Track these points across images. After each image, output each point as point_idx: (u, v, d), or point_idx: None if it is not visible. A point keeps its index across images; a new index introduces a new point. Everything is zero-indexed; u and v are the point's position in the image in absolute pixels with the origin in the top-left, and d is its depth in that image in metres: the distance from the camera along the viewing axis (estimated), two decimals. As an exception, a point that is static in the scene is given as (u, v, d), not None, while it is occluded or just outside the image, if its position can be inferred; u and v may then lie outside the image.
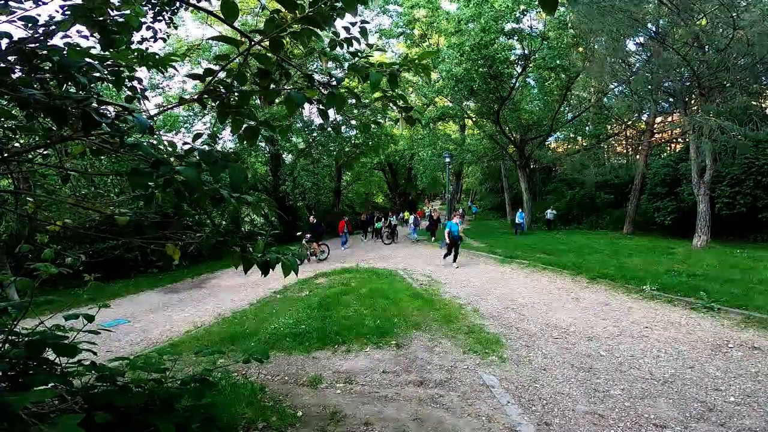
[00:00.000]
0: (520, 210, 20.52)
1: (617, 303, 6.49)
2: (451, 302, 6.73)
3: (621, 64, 17.37)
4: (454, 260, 10.84)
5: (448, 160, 18.55)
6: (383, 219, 20.79)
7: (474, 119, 23.22)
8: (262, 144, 22.13)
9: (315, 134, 22.90)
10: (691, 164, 12.67)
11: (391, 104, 2.29)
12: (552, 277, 8.74)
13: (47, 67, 1.52)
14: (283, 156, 23.34)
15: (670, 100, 16.26)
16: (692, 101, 14.69)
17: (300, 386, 4.06)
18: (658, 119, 20.30)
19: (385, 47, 25.69)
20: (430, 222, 20.56)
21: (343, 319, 5.90)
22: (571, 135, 24.96)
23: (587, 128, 23.43)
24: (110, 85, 2.24)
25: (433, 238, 18.91)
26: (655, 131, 19.94)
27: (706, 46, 11.86)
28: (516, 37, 18.04)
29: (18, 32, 1.73)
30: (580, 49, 18.76)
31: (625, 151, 29.06)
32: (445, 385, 3.77)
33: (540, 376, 3.94)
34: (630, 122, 22.29)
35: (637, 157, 24.88)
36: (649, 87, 15.14)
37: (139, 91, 2.55)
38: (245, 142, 2.02)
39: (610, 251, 11.36)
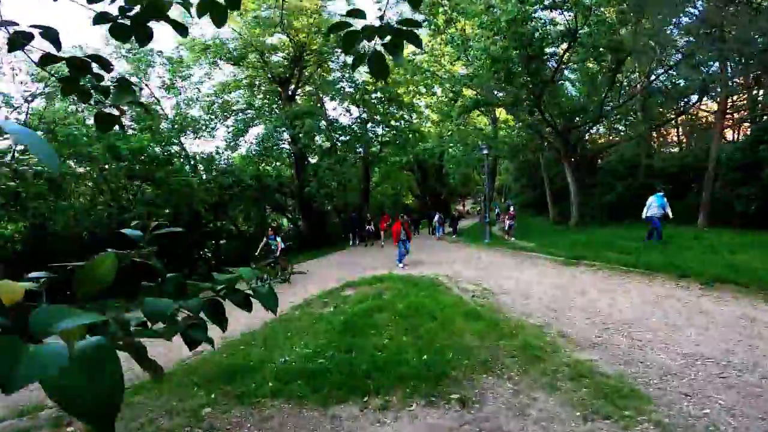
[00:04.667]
0: (659, 193, 11.15)
1: (768, 317, 4.52)
2: (522, 323, 4.90)
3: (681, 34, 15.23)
4: None
5: (486, 151, 16.65)
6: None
7: (509, 109, 21.19)
8: (285, 145, 21.06)
9: (339, 133, 21.69)
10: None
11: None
12: (644, 282, 6.74)
13: None
14: (309, 158, 22.16)
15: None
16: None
17: (310, 476, 2.44)
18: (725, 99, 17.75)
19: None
20: (452, 219, 21.71)
21: (375, 350, 4.25)
22: (623, 121, 22.57)
23: (638, 114, 21.12)
24: None
25: (454, 236, 19.88)
26: (727, 112, 17.32)
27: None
28: (558, 10, 15.99)
29: None
30: (626, 28, 16.64)
31: (677, 138, 26.41)
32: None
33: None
34: (693, 104, 19.69)
35: (693, 144, 22.35)
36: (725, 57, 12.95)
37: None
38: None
39: (702, 247, 9.19)
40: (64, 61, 1.44)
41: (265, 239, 11.60)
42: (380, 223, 18.35)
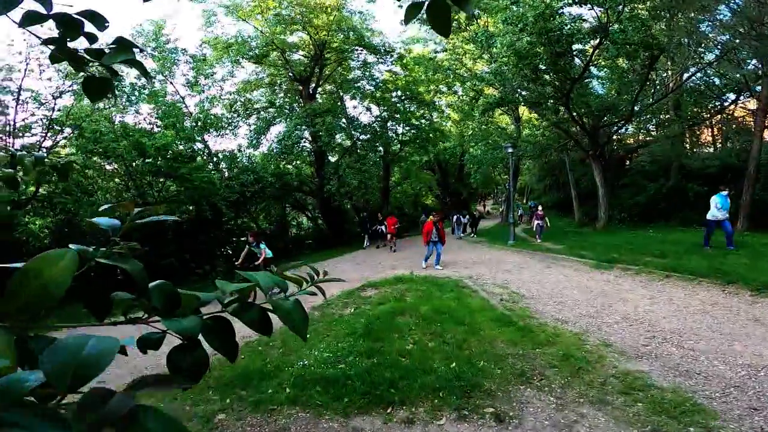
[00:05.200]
0: (723, 192, 9.43)
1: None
2: (558, 330, 4.56)
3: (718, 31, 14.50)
4: None
5: (510, 150, 16.15)
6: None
7: (533, 107, 20.58)
8: (306, 143, 21.03)
9: (359, 131, 21.57)
10: None
11: None
12: (687, 288, 6.26)
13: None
14: (329, 156, 22.09)
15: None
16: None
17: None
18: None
19: (426, 38, 23.87)
20: (473, 219, 21.26)
21: (398, 356, 3.99)
22: (653, 120, 21.68)
23: (671, 112, 20.22)
24: None
25: (473, 235, 20.05)
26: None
27: None
28: (587, 5, 15.36)
29: None
30: (660, 25, 15.87)
31: (711, 138, 25.26)
32: None
33: None
34: (731, 102, 18.76)
35: (728, 144, 21.25)
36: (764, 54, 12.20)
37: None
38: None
39: (746, 252, 8.56)
40: (50, 19, 1.23)
41: (246, 247, 9.57)
42: (388, 226, 15.94)
